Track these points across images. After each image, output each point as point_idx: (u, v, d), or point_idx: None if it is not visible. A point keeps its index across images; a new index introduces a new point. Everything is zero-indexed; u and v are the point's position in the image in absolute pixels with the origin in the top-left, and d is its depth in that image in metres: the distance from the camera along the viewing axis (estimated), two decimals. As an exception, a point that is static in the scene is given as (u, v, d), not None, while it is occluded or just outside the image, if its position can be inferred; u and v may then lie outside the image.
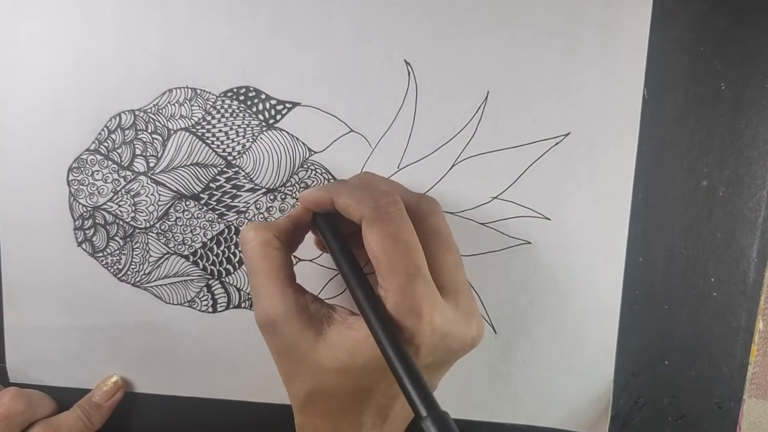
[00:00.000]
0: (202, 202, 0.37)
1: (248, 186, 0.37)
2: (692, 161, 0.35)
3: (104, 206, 0.38)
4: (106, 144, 0.37)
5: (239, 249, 0.38)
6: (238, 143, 0.37)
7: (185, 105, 0.37)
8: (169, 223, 0.38)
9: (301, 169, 0.37)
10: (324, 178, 0.37)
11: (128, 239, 0.38)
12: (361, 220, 0.28)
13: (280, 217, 0.31)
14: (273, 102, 0.36)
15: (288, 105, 0.36)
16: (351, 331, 0.28)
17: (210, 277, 0.38)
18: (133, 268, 0.38)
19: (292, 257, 0.31)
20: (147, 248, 0.38)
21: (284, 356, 0.30)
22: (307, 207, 0.31)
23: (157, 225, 0.38)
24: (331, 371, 0.28)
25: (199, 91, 0.37)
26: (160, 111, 0.37)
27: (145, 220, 0.38)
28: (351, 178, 0.34)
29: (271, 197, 0.37)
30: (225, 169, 0.37)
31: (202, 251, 0.38)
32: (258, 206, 0.37)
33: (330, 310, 0.30)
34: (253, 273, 0.30)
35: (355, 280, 0.28)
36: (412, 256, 0.27)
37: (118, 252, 0.38)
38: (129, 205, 0.38)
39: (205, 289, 0.38)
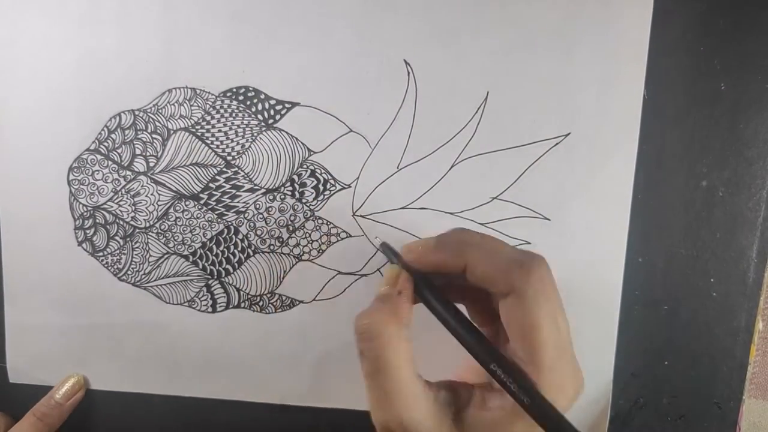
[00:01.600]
0: (202, 202, 0.37)
1: (247, 186, 0.37)
2: (692, 161, 0.35)
3: (104, 206, 0.38)
4: (106, 144, 0.37)
5: (239, 249, 0.38)
6: (238, 143, 0.37)
7: (185, 105, 0.37)
8: (169, 223, 0.38)
9: (300, 168, 0.37)
10: (324, 178, 0.37)
11: (128, 239, 0.38)
12: (509, 293, 0.26)
13: (389, 296, 0.28)
14: (272, 102, 0.36)
15: (287, 105, 0.36)
16: (488, 413, 0.26)
17: (209, 277, 0.38)
18: (133, 268, 0.38)
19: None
20: (147, 248, 0.38)
21: None
22: (428, 268, 0.28)
23: (157, 225, 0.38)
24: None
25: (198, 91, 0.37)
26: (160, 111, 0.37)
27: (145, 219, 0.38)
28: (451, 235, 0.30)
29: (271, 197, 0.37)
30: (224, 169, 0.37)
31: (202, 251, 0.38)
32: (257, 206, 0.37)
33: (455, 390, 0.28)
34: (381, 371, 0.26)
35: (485, 351, 0.26)
36: (563, 333, 0.26)
37: (118, 251, 0.38)
38: (129, 205, 0.38)
39: (204, 289, 0.38)
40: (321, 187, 0.37)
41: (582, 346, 0.36)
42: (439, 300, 0.28)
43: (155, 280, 0.38)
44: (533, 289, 0.26)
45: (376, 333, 0.27)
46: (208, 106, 0.37)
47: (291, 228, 0.37)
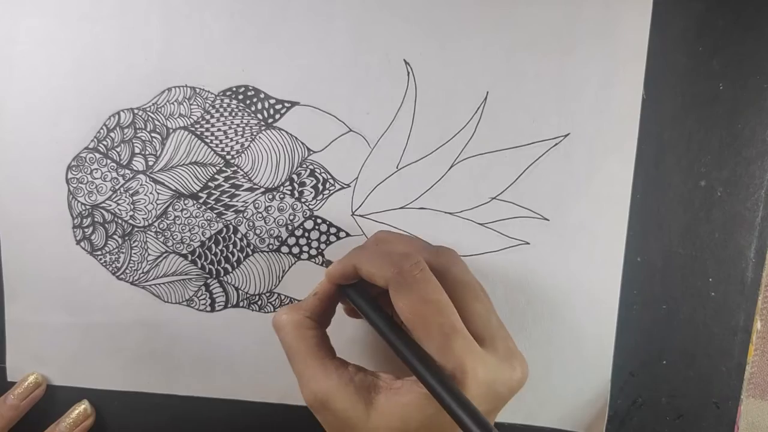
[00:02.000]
0: (201, 201, 0.37)
1: (247, 185, 0.37)
2: (690, 161, 0.35)
3: (103, 204, 0.38)
4: (105, 142, 0.37)
5: (237, 249, 0.38)
6: (237, 142, 0.37)
7: (184, 104, 0.37)
8: (168, 222, 0.38)
9: (299, 168, 0.37)
10: (323, 177, 0.37)
11: (127, 238, 0.38)
12: (387, 286, 0.28)
13: (309, 296, 0.32)
14: (272, 101, 0.36)
15: (287, 104, 0.36)
16: (399, 397, 0.28)
17: (208, 276, 0.38)
18: (131, 267, 0.38)
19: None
20: (145, 247, 0.38)
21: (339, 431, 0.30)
22: (334, 282, 0.31)
23: (156, 224, 0.38)
24: None
25: (198, 90, 0.37)
26: (159, 109, 0.37)
27: (143, 218, 0.38)
28: (368, 241, 0.34)
29: (270, 197, 0.37)
30: (224, 168, 0.37)
31: (201, 250, 0.38)
32: (256, 205, 0.37)
33: (374, 377, 0.30)
34: (292, 356, 0.30)
35: (399, 342, 0.28)
36: (446, 314, 0.27)
37: (116, 250, 0.38)
38: (128, 204, 0.38)
39: (203, 288, 0.38)
40: (320, 187, 0.37)
41: (581, 346, 0.37)
42: (361, 299, 0.31)
43: (153, 279, 0.38)
44: (402, 278, 0.28)
45: (282, 324, 0.31)
46: (207, 104, 0.37)
47: (290, 227, 0.37)
